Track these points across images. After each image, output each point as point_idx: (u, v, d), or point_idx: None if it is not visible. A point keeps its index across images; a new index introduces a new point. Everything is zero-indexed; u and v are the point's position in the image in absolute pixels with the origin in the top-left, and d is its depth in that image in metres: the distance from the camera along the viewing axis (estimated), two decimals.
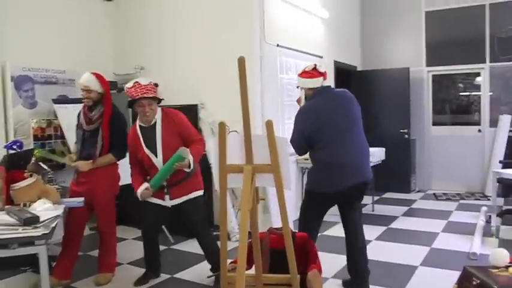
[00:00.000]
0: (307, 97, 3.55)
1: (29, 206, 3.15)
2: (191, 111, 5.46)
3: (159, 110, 3.68)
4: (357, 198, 3.65)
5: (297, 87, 3.67)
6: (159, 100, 3.67)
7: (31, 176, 3.37)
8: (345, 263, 3.69)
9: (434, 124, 8.15)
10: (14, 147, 4.01)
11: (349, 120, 3.46)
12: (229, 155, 2.47)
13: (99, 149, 3.79)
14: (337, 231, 5.43)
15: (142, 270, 4.03)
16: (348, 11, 7.97)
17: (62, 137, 5.27)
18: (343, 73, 7.62)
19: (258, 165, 2.45)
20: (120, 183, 4.07)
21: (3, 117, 5.12)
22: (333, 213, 6.00)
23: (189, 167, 3.52)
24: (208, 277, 3.92)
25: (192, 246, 4.60)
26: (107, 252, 4.00)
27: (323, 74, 3.52)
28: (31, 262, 4.20)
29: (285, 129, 5.75)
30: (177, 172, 3.57)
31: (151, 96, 3.54)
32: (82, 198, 3.64)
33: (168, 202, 3.72)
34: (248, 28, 5.30)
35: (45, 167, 4.04)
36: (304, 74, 3.54)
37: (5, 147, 4.07)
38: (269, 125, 2.38)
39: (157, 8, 6.10)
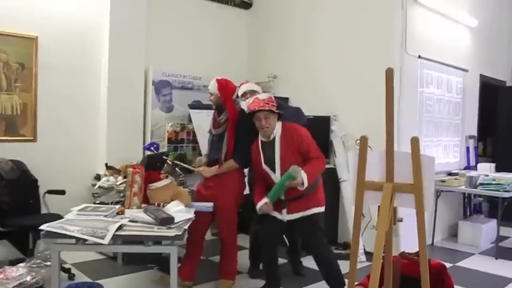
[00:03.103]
0: None
1: (163, 206, 3.23)
2: (323, 123, 5.29)
3: (279, 124, 3.56)
4: None
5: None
6: (279, 115, 3.55)
7: (167, 177, 3.46)
8: None
9: None
10: (152, 148, 4.19)
11: None
12: (367, 171, 2.36)
13: (224, 154, 3.80)
14: (471, 263, 4.89)
15: (262, 282, 3.94)
16: (498, 19, 7.18)
17: (194, 141, 5.43)
18: (489, 88, 6.90)
19: (399, 184, 2.31)
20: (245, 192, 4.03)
21: (143, 119, 5.43)
22: (468, 244, 5.49)
23: (302, 185, 3.36)
24: None
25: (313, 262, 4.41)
26: (227, 260, 3.98)
27: None
28: (157, 260, 4.40)
29: (423, 147, 5.32)
30: (295, 188, 3.42)
31: (267, 109, 3.45)
32: (211, 204, 3.64)
33: (284, 216, 3.59)
34: (388, 37, 5.01)
35: (177, 169, 4.17)
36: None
37: (144, 148, 4.28)
38: (415, 142, 2.23)
39: (292, 17, 6.07)
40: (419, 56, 5.25)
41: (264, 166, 3.57)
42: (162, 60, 5.63)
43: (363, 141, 2.40)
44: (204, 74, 5.80)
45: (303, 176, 3.33)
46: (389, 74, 2.25)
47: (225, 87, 3.87)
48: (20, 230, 3.92)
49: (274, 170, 3.52)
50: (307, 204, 3.55)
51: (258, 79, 6.21)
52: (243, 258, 4.51)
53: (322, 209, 3.64)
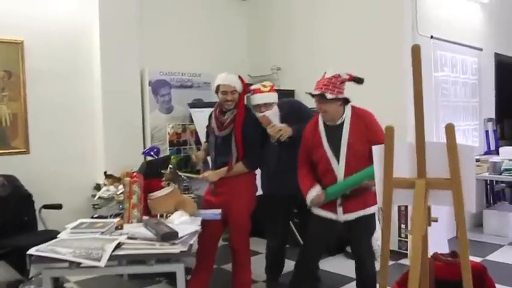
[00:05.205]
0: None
1: (166, 217, 2.94)
2: None
3: (348, 108, 3.09)
4: None
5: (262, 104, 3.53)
6: (343, 100, 3.06)
7: (168, 184, 3.15)
8: None
9: None
10: (152, 153, 3.90)
11: None
12: (395, 166, 2.08)
13: (235, 157, 3.42)
14: (502, 256, 4.57)
15: None
16: None
17: (197, 142, 5.13)
18: (506, 68, 6.59)
19: (434, 180, 2.02)
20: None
21: (142, 123, 5.16)
22: (495, 234, 5.18)
23: None
24: None
25: (332, 264, 4.17)
26: (241, 270, 3.66)
27: None
28: (165, 273, 4.09)
29: (440, 133, 5.01)
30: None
31: (318, 93, 2.96)
32: (219, 211, 3.33)
33: (340, 216, 3.10)
34: (397, 17, 4.68)
35: (181, 174, 3.87)
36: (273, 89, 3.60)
37: (143, 153, 4.01)
38: (450, 129, 1.94)
39: (295, 4, 5.76)
40: (432, 37, 4.95)
41: (328, 151, 3.05)
42: (158, 59, 5.34)
43: (389, 132, 2.09)
44: (203, 70, 5.53)
45: None
46: (415, 50, 2.01)
47: (244, 83, 3.52)
48: (16, 250, 3.65)
49: (338, 159, 3.03)
50: (367, 201, 3.05)
51: (261, 71, 5.96)
52: (257, 265, 4.20)
53: (377, 207, 3.18)
